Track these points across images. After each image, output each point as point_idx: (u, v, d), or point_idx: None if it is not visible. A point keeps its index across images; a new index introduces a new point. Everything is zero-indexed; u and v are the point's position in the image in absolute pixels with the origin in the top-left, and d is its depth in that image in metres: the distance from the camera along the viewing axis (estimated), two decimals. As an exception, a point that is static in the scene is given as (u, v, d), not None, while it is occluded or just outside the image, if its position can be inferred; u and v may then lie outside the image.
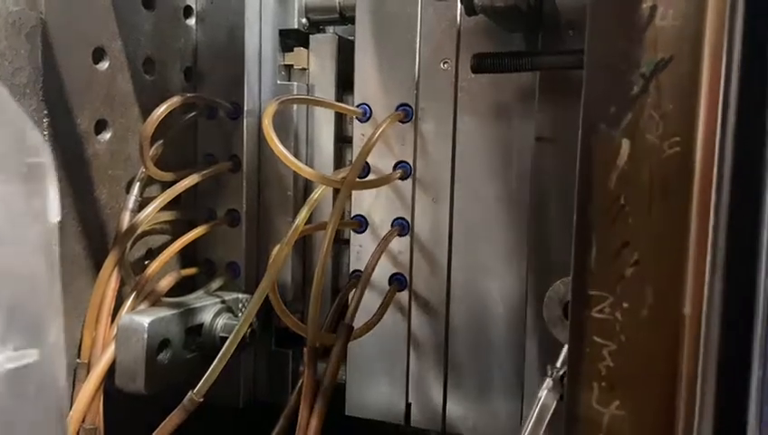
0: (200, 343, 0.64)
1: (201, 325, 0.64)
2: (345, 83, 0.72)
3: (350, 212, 0.71)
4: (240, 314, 0.68)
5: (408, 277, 0.69)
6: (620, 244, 0.31)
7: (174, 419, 0.55)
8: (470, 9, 0.52)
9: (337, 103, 0.70)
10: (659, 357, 0.31)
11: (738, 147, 0.30)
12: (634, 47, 0.31)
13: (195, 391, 0.55)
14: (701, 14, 0.30)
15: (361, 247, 0.70)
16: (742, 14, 0.29)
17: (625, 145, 0.31)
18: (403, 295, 0.69)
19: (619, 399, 0.32)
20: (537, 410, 0.43)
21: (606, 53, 0.31)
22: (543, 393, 0.44)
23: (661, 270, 0.31)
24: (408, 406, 0.70)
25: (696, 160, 0.30)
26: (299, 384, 0.61)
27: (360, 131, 0.69)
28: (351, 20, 0.71)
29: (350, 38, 0.72)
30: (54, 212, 0.39)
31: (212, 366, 0.55)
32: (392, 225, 0.69)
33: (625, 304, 0.31)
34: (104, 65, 0.62)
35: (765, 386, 0.29)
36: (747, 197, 0.30)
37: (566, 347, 0.35)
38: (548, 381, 0.44)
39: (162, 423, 0.55)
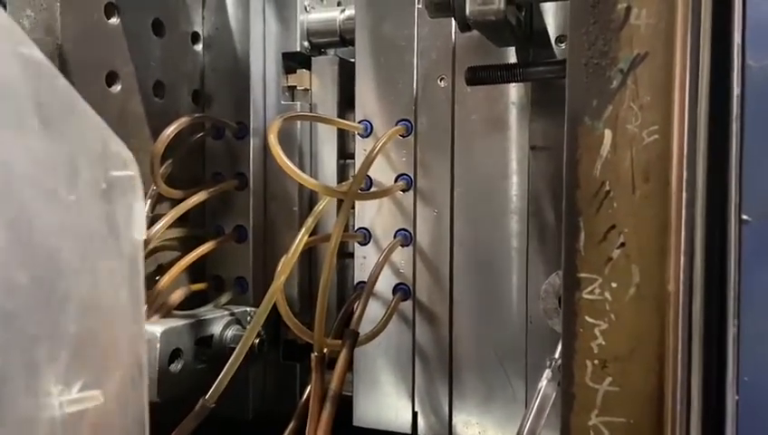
0: (210, 354, 0.65)
1: (211, 337, 0.66)
2: (347, 102, 0.75)
3: (353, 226, 0.73)
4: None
5: (411, 287, 0.71)
6: (607, 227, 0.33)
7: (187, 425, 0.57)
8: (463, 24, 0.55)
9: (339, 120, 0.73)
10: (647, 333, 0.33)
11: (711, 131, 0.32)
12: (612, 45, 0.33)
13: (207, 396, 0.57)
14: (673, 12, 0.32)
15: (365, 259, 0.72)
16: (709, 10, 0.32)
17: (607, 135, 0.33)
18: (407, 306, 0.71)
19: (612, 375, 0.33)
20: (538, 400, 0.45)
21: (586, 52, 0.34)
22: (543, 384, 0.45)
23: (646, 250, 0.33)
24: (415, 415, 0.72)
25: (673, 146, 0.32)
26: (307, 391, 0.63)
27: (361, 147, 0.72)
28: (352, 42, 0.74)
29: (350, 60, 0.75)
30: (140, 227, 0.36)
31: (224, 371, 0.56)
32: (395, 236, 0.71)
33: (613, 285, 0.33)
34: (117, 88, 0.65)
35: (741, 344, 0.31)
36: (721, 177, 0.32)
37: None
38: (547, 372, 0.45)
39: (176, 430, 0.57)
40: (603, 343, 0.33)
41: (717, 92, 0.32)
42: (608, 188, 0.33)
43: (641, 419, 0.33)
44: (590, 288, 0.34)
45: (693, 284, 0.32)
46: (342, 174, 0.77)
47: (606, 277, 0.34)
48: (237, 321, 0.69)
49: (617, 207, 0.33)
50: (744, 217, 0.31)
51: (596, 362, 0.34)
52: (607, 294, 0.33)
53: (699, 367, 0.32)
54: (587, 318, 0.34)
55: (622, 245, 0.33)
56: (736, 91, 0.31)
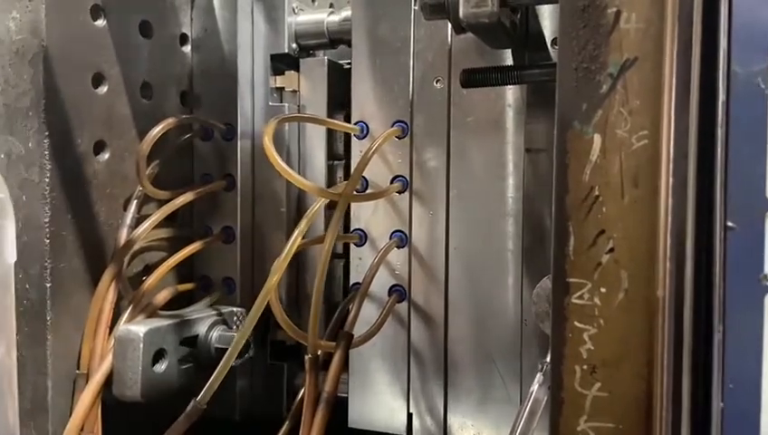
0: (195, 354, 0.65)
1: (196, 337, 0.65)
2: (335, 104, 0.75)
3: (344, 228, 0.73)
4: (235, 327, 0.69)
5: (406, 289, 0.70)
6: (596, 232, 0.33)
7: (179, 426, 0.56)
8: (458, 27, 0.54)
9: (336, 121, 0.72)
10: (636, 339, 0.33)
11: (700, 137, 0.32)
12: (602, 49, 0.33)
13: (198, 398, 0.56)
14: (662, 17, 0.32)
15: (361, 260, 0.71)
16: (700, 15, 0.32)
17: (597, 140, 0.33)
18: (402, 307, 0.71)
19: (601, 381, 0.33)
20: (529, 404, 0.45)
21: (576, 56, 0.34)
22: (535, 388, 0.45)
23: (635, 255, 0.33)
24: (410, 417, 0.71)
25: (662, 151, 0.32)
26: (300, 394, 0.62)
27: (358, 148, 0.71)
28: (341, 44, 0.74)
29: (339, 62, 0.75)
30: (10, 252, 0.37)
31: (216, 371, 0.56)
32: (390, 237, 0.70)
33: (602, 290, 0.33)
34: (103, 89, 0.64)
35: (725, 351, 0.31)
36: (709, 183, 0.32)
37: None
38: (539, 376, 0.45)
39: (168, 430, 0.56)
40: (592, 348, 0.33)
41: (706, 98, 0.32)
42: (597, 193, 0.33)
43: (630, 424, 0.33)
44: (579, 293, 0.34)
45: (683, 289, 0.32)
46: (331, 175, 0.76)
47: (595, 282, 0.33)
48: (224, 321, 0.68)
49: (606, 213, 0.33)
50: (730, 223, 0.31)
51: (585, 367, 0.33)
52: (596, 300, 0.33)
53: (688, 373, 0.32)
54: (576, 323, 0.34)
55: (611, 250, 0.33)
56: (722, 97, 0.31)
